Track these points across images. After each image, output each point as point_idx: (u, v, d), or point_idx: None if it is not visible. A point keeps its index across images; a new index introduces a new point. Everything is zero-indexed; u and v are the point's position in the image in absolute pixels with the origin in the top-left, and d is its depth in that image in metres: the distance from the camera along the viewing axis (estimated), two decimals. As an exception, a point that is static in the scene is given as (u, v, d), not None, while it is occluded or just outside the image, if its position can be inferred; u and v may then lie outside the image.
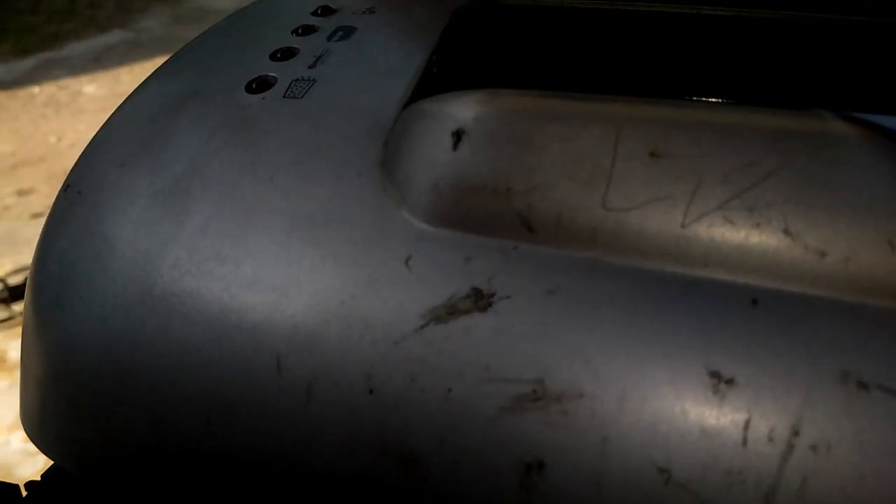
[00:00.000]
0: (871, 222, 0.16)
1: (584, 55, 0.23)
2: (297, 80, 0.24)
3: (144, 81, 0.27)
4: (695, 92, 0.22)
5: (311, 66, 0.25)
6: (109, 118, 0.26)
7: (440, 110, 0.20)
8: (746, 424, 0.16)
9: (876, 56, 0.24)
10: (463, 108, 0.19)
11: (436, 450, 0.18)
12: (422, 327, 0.18)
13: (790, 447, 0.16)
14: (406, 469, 0.18)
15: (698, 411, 0.16)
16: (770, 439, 0.16)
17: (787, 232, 0.17)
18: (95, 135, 0.25)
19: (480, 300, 0.18)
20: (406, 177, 0.20)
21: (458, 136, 0.19)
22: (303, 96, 0.23)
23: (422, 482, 0.18)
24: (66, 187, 0.24)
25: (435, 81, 0.23)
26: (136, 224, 0.21)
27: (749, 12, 0.26)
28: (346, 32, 0.27)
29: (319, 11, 0.28)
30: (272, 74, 0.25)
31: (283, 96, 0.24)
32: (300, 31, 0.27)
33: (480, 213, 0.19)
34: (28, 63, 2.43)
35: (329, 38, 0.26)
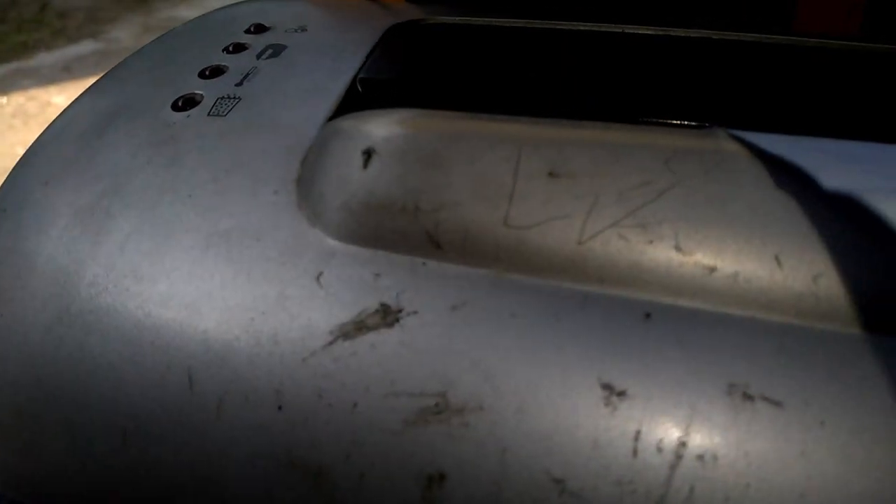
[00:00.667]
0: (758, 238, 0.17)
1: (512, 73, 0.24)
2: (222, 97, 0.24)
3: (76, 99, 0.27)
4: (616, 110, 0.22)
5: (238, 84, 0.25)
6: (39, 136, 0.26)
7: (353, 129, 0.20)
8: (637, 436, 0.16)
9: (783, 74, 0.24)
10: (374, 128, 0.20)
11: (342, 464, 0.18)
12: (330, 343, 0.18)
13: (678, 457, 0.16)
14: (314, 483, 0.18)
15: (591, 423, 0.17)
16: (659, 450, 0.16)
17: (678, 248, 0.17)
18: (24, 153, 0.25)
19: (388, 316, 0.18)
20: (319, 194, 0.20)
21: (368, 154, 0.19)
22: (227, 114, 0.24)
23: (329, 496, 0.18)
24: (-8, 205, 0.24)
25: (359, 100, 0.24)
26: (56, 242, 0.21)
27: (671, 31, 0.27)
28: (276, 50, 0.27)
29: (252, 29, 0.29)
30: (199, 92, 0.25)
31: (208, 114, 0.24)
32: (231, 48, 0.27)
33: (390, 231, 0.19)
34: (-5, 73, 2.40)
35: (259, 56, 0.27)
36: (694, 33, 0.27)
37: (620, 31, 0.27)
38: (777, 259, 0.17)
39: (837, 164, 0.15)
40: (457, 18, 0.29)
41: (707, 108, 0.21)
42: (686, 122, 0.19)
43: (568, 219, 0.18)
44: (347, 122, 0.20)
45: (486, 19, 0.29)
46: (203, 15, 0.32)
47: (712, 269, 0.17)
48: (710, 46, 0.26)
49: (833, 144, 0.17)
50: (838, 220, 0.16)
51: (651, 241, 0.17)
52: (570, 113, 0.21)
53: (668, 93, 0.21)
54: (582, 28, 0.28)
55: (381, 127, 0.19)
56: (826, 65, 0.25)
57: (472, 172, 0.18)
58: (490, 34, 0.27)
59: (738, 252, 0.17)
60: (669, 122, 0.20)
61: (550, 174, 0.18)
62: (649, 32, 0.26)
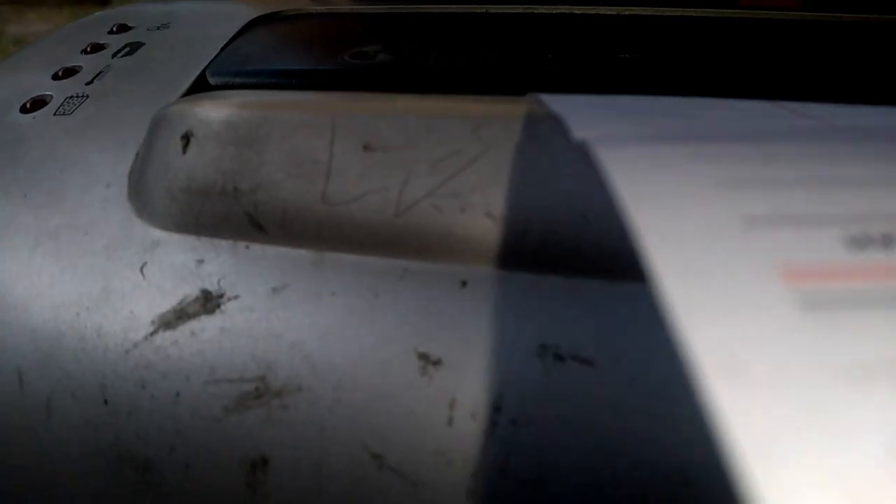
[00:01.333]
0: (566, 201, 0.17)
1: (363, 57, 0.23)
2: (70, 97, 0.24)
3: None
4: (470, 87, 0.22)
5: (89, 83, 0.25)
6: None
7: (175, 114, 0.20)
8: (452, 404, 0.16)
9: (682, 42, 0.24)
10: (192, 111, 0.19)
11: (167, 455, 0.17)
12: (152, 334, 0.18)
13: (493, 424, 0.16)
14: (142, 476, 0.18)
15: (407, 395, 0.16)
16: (473, 417, 0.16)
17: (489, 215, 0.17)
18: None
19: (209, 302, 0.18)
20: (145, 183, 0.20)
21: (186, 138, 0.19)
22: (73, 112, 0.23)
23: (157, 488, 0.18)
24: None
25: (207, 91, 0.24)
26: None
27: (539, 9, 0.27)
28: (133, 48, 0.26)
29: (115, 29, 0.28)
30: (49, 93, 0.25)
31: (54, 114, 0.23)
32: (89, 49, 0.27)
33: (212, 215, 0.19)
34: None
35: (114, 55, 0.26)
36: (569, 9, 0.27)
37: (484, 10, 0.27)
38: (584, 218, 0.17)
39: (610, 117, 0.15)
40: (322, 8, 0.29)
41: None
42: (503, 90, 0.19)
43: (384, 192, 0.18)
44: (172, 109, 0.20)
45: (354, 7, 0.29)
46: (75, 21, 0.32)
47: (524, 234, 0.17)
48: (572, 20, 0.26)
49: (639, 101, 0.17)
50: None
51: (463, 210, 0.17)
52: (414, 90, 0.21)
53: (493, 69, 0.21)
54: (452, 10, 0.28)
55: (196, 110, 0.19)
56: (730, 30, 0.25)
57: (288, 150, 0.18)
58: (353, 21, 0.27)
59: (545, 215, 0.17)
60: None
61: (365, 148, 0.18)
62: (521, 11, 0.26)
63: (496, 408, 0.16)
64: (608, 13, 0.27)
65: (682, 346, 0.08)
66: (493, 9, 0.27)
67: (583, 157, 0.15)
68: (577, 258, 0.17)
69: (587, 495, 0.15)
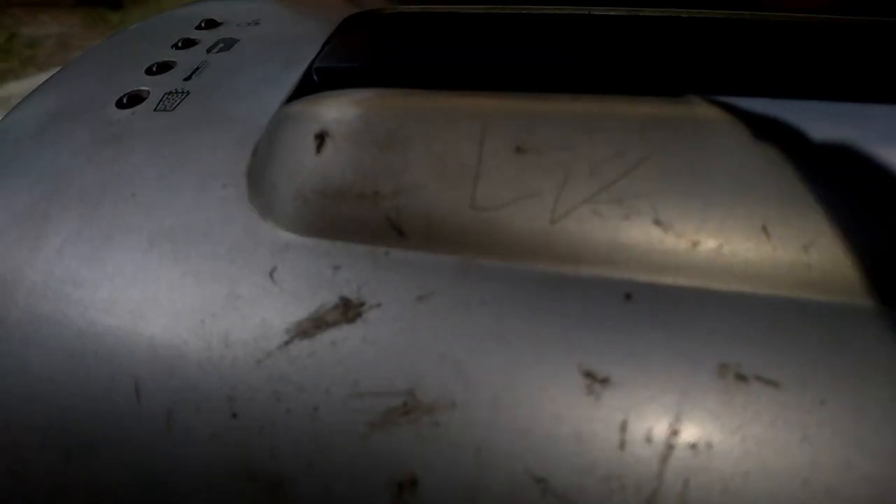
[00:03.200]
0: (742, 208, 0.16)
1: (473, 56, 0.22)
2: (169, 92, 0.23)
3: (17, 104, 0.26)
4: (584, 84, 0.21)
5: (187, 79, 0.24)
6: (-25, 143, 0.24)
7: (304, 112, 0.19)
8: (623, 426, 0.15)
9: (753, 46, 0.23)
10: (325, 110, 0.18)
11: (304, 473, 0.16)
12: (286, 343, 0.17)
13: (669, 448, 0.15)
14: (274, 495, 0.17)
15: (573, 414, 0.15)
16: (648, 440, 0.15)
17: (657, 222, 0.16)
18: (-40, 161, 0.24)
19: (349, 310, 0.17)
20: (271, 185, 0.19)
21: (321, 138, 0.18)
22: (174, 109, 0.22)
23: (291, 509, 0.16)
24: (-76, 215, 0.22)
25: (314, 89, 0.22)
26: (-10, 250, 0.20)
27: (638, 11, 0.26)
28: (228, 44, 0.25)
29: (203, 25, 0.27)
30: (145, 89, 0.24)
31: (154, 110, 0.22)
32: (180, 44, 0.26)
33: (348, 219, 0.18)
34: (-37, 104, 2.38)
35: (209, 51, 0.25)
36: (660, 12, 0.26)
37: (587, 12, 0.26)
38: (764, 229, 0.15)
39: (824, 120, 0.14)
40: (416, 7, 0.28)
41: (681, 79, 0.20)
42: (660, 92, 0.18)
43: (538, 197, 0.16)
44: (298, 107, 0.19)
45: (448, 7, 0.28)
46: (156, 15, 0.31)
47: (695, 243, 0.16)
48: (679, 24, 0.25)
49: (817, 105, 0.16)
50: (828, 180, 0.15)
51: (628, 217, 0.16)
52: (537, 89, 0.20)
53: (640, 68, 0.20)
54: (546, 11, 0.27)
55: (333, 108, 0.18)
56: (795, 34, 0.24)
57: (434, 152, 0.17)
58: (450, 21, 0.26)
59: (721, 224, 0.16)
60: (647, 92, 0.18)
61: (517, 150, 0.17)
62: (614, 13, 0.25)
63: (673, 431, 0.15)
64: (738, 17, 0.26)
65: None
66: (597, 10, 0.27)
67: (771, 162, 0.14)
68: (755, 271, 0.16)
69: (777, 527, 0.14)
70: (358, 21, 0.26)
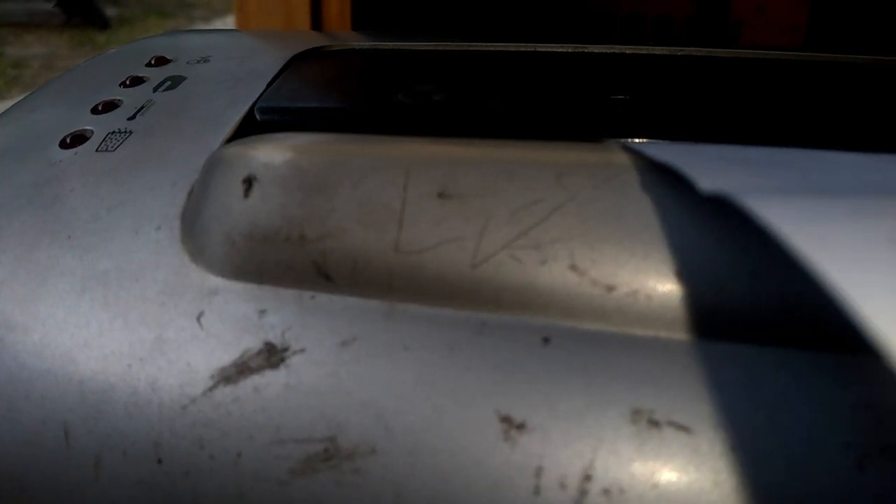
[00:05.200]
0: (656, 254, 0.16)
1: (414, 95, 0.23)
2: (112, 132, 0.23)
3: (-35, 141, 0.26)
4: (513, 131, 0.21)
5: (131, 118, 0.24)
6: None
7: (236, 156, 0.19)
8: (538, 472, 0.15)
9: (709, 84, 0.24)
10: (255, 155, 0.18)
11: (226, 520, 0.16)
12: (211, 389, 0.17)
13: (583, 493, 0.15)
14: (198, 542, 0.17)
15: (489, 461, 0.15)
16: (562, 486, 0.15)
17: (573, 268, 0.16)
18: None
19: (273, 356, 0.17)
20: (202, 228, 0.19)
21: (249, 182, 0.18)
22: (116, 149, 0.22)
23: (214, 556, 0.16)
24: None
25: (255, 128, 0.23)
26: (-77, 293, 0.20)
27: (588, 48, 0.27)
28: (175, 82, 0.26)
29: (153, 62, 0.28)
30: (89, 128, 0.24)
31: (96, 150, 0.23)
32: (128, 82, 0.26)
33: (275, 263, 0.18)
34: (-54, 126, 2.36)
35: (155, 89, 0.25)
36: (610, 49, 0.26)
37: (532, 49, 0.27)
38: (678, 274, 0.16)
39: (722, 167, 0.14)
40: (364, 44, 0.28)
41: (603, 123, 0.20)
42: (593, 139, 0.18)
43: (460, 241, 0.17)
44: (231, 150, 0.19)
45: (395, 43, 0.28)
46: (111, 51, 0.31)
47: (610, 288, 0.16)
48: (621, 61, 0.26)
49: (728, 150, 0.16)
50: (739, 224, 0.15)
51: (545, 262, 0.16)
52: (481, 135, 0.20)
53: (564, 112, 0.21)
54: (494, 48, 0.27)
55: (262, 153, 0.18)
56: (751, 74, 0.24)
57: (359, 196, 0.17)
58: (397, 58, 0.27)
59: (635, 269, 0.16)
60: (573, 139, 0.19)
61: (440, 195, 0.17)
62: (560, 50, 0.25)
63: (586, 476, 0.15)
64: (652, 53, 0.26)
65: None
66: (542, 47, 0.27)
67: (684, 208, 0.15)
68: (668, 315, 0.16)
69: (688, 573, 0.14)
70: (305, 58, 0.26)
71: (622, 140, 0.17)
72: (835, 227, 0.10)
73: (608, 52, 0.26)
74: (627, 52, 0.26)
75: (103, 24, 3.38)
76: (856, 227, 0.10)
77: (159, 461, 0.17)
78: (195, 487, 0.17)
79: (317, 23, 0.58)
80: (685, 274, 0.16)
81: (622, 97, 0.21)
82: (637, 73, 0.24)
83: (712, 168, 0.13)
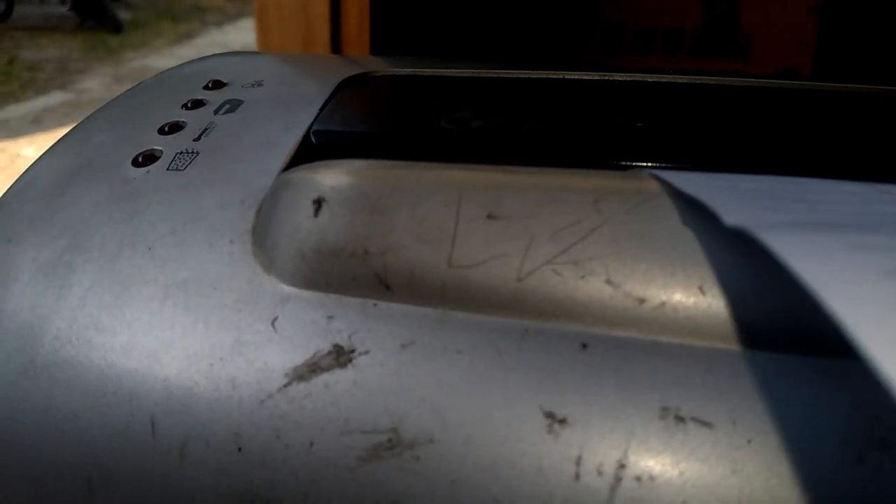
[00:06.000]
0: (681, 270, 0.18)
1: (458, 120, 0.25)
2: (181, 152, 0.25)
3: (38, 159, 0.28)
4: (566, 155, 0.24)
5: (196, 139, 0.26)
6: (2, 195, 0.27)
7: (304, 180, 0.21)
8: (578, 460, 0.17)
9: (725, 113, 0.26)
10: (323, 178, 0.21)
11: (300, 502, 0.19)
12: (286, 385, 0.19)
13: (618, 479, 0.17)
14: (274, 522, 0.19)
15: (535, 450, 0.17)
16: (599, 473, 0.17)
17: (609, 282, 0.18)
18: (-13, 212, 0.26)
19: (341, 356, 0.19)
20: (273, 242, 0.21)
21: (318, 203, 0.20)
22: (185, 168, 0.25)
23: (289, 533, 0.19)
24: (-44, 264, 0.24)
25: (312, 151, 0.25)
26: (19, 298, 0.22)
27: (621, 76, 0.29)
28: (233, 105, 0.28)
29: (210, 85, 0.30)
30: (158, 148, 0.26)
31: (167, 169, 0.25)
32: (189, 105, 0.28)
33: (341, 275, 0.20)
34: (-36, 127, 2.39)
35: (216, 112, 0.28)
36: (642, 77, 0.28)
37: (562, 77, 0.29)
38: (700, 289, 0.18)
39: (741, 201, 0.16)
40: (405, 70, 0.30)
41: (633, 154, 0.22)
42: (622, 164, 0.21)
43: (506, 258, 0.19)
44: (299, 174, 0.21)
45: (434, 70, 0.30)
46: (164, 72, 0.33)
47: (641, 301, 0.18)
48: (647, 90, 0.28)
49: (744, 181, 0.19)
50: (745, 251, 0.17)
51: (583, 276, 0.18)
52: (519, 159, 0.22)
53: (623, 137, 0.23)
54: (526, 75, 0.29)
55: (329, 177, 0.21)
56: (763, 104, 0.26)
57: (416, 217, 0.19)
58: (436, 84, 0.29)
59: (663, 283, 0.18)
60: (604, 165, 0.21)
61: (489, 217, 0.19)
62: (597, 78, 0.28)
63: (621, 465, 0.17)
64: (678, 81, 0.28)
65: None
66: (570, 75, 0.29)
67: (705, 232, 0.17)
68: (692, 324, 0.18)
69: (709, 549, 0.17)
70: (351, 84, 0.29)
71: (651, 169, 0.19)
72: (838, 261, 0.12)
73: (631, 80, 0.29)
74: (649, 80, 0.28)
75: (116, 27, 3.42)
76: (855, 263, 0.12)
77: (239, 449, 0.19)
78: (272, 473, 0.19)
79: (336, 38, 0.60)
80: (705, 289, 0.18)
81: (640, 125, 0.23)
82: (655, 101, 0.27)
83: (732, 201, 0.16)
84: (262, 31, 0.67)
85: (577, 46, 0.59)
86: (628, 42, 0.60)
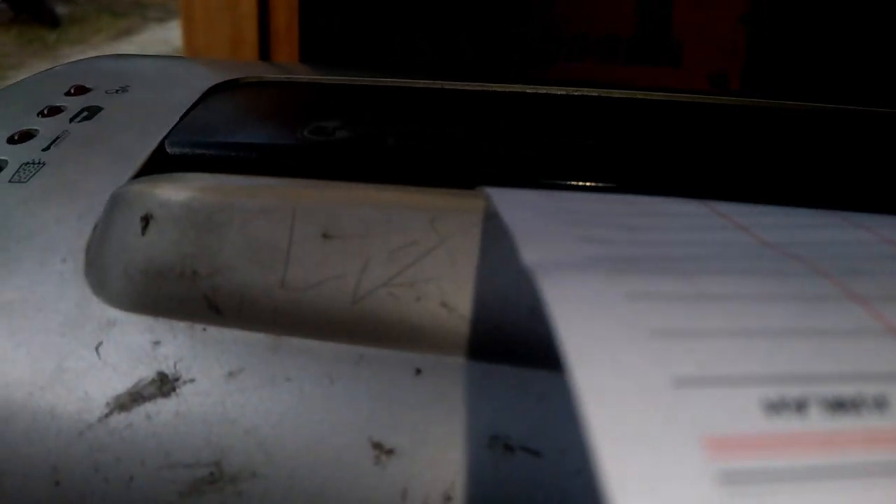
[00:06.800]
0: (515, 291, 0.18)
1: (324, 131, 0.24)
2: (26, 163, 0.24)
3: None
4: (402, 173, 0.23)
5: (45, 149, 0.25)
6: None
7: (137, 194, 0.20)
8: (404, 494, 0.16)
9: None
10: (153, 194, 0.20)
11: (118, 540, 0.17)
12: (106, 416, 0.18)
13: (443, 512, 0.16)
14: (91, 562, 0.18)
15: (361, 483, 0.17)
16: (425, 506, 0.16)
17: (444, 304, 0.18)
18: None
19: (165, 385, 0.18)
20: (103, 261, 0.20)
21: (146, 220, 0.19)
22: (28, 180, 0.23)
23: (106, 574, 0.18)
24: None
25: (167, 162, 0.24)
26: None
27: (488, 86, 0.28)
28: (91, 112, 0.27)
29: (72, 91, 0.28)
30: (4, 158, 0.25)
31: (9, 181, 0.23)
32: (46, 111, 0.27)
33: (169, 297, 0.19)
34: None
35: (72, 119, 0.26)
36: (507, 88, 0.28)
37: (440, 86, 0.28)
38: (531, 310, 0.17)
39: (551, 229, 0.15)
40: (280, 77, 0.29)
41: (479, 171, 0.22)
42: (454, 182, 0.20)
43: (342, 279, 0.18)
44: (134, 188, 0.20)
45: (312, 77, 0.29)
46: (30, 77, 0.32)
47: (476, 323, 0.17)
48: (518, 100, 0.27)
49: (595, 204, 0.18)
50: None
51: (418, 299, 0.18)
52: (381, 174, 0.21)
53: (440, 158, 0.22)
54: (402, 84, 0.28)
55: (161, 192, 0.19)
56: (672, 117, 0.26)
57: (248, 236, 0.19)
58: (312, 92, 0.28)
59: (496, 305, 0.18)
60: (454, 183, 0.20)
61: (324, 236, 0.18)
62: (464, 88, 0.27)
63: (447, 497, 0.16)
64: (558, 93, 0.28)
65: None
66: (449, 84, 0.28)
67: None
68: (526, 349, 0.17)
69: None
70: (219, 90, 0.28)
71: (487, 188, 0.18)
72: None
73: (517, 91, 0.28)
74: (527, 91, 0.27)
75: (54, 22, 3.32)
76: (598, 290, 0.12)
77: (56, 483, 0.18)
78: (89, 509, 0.18)
79: (264, 38, 0.58)
80: (538, 313, 0.18)
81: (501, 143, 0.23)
82: (525, 113, 0.26)
83: (540, 232, 0.15)
84: (188, 32, 0.65)
85: (511, 53, 0.59)
86: (562, 48, 0.60)
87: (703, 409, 0.10)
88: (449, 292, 0.18)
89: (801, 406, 0.10)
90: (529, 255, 0.13)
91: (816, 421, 0.09)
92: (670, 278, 0.13)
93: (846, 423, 0.09)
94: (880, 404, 0.10)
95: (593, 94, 0.28)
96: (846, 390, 0.10)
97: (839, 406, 0.10)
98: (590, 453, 0.09)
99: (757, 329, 0.11)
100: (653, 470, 0.09)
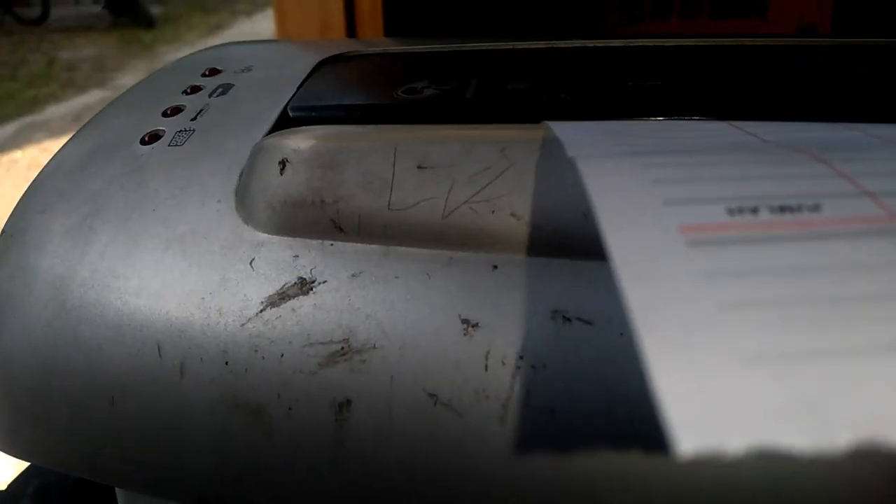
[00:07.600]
0: (569, 201, 0.22)
1: (416, 91, 0.29)
2: (180, 131, 0.30)
3: (65, 143, 0.33)
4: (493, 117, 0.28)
5: (193, 119, 0.31)
6: (36, 177, 0.32)
7: (272, 145, 0.26)
8: (487, 355, 0.22)
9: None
10: (287, 143, 0.25)
11: (274, 402, 0.23)
12: (261, 311, 0.24)
13: (518, 368, 0.21)
14: (255, 419, 0.24)
15: (454, 349, 0.22)
16: (503, 364, 0.22)
17: (513, 214, 0.23)
18: (25, 190, 0.31)
19: (304, 286, 0.24)
20: (250, 199, 0.26)
21: (283, 164, 0.25)
22: (184, 144, 0.30)
23: (267, 427, 0.24)
24: (2, 233, 0.30)
25: (289, 123, 0.30)
26: (52, 256, 0.27)
27: (555, 44, 0.33)
28: (225, 89, 0.33)
29: (207, 73, 0.35)
30: (161, 128, 0.31)
31: (169, 145, 0.30)
32: (189, 90, 0.33)
33: (303, 221, 0.25)
34: (9, 129, 2.49)
35: (210, 95, 0.32)
36: (569, 44, 0.32)
37: (511, 46, 0.33)
38: (584, 215, 0.22)
39: (595, 137, 0.20)
40: (377, 49, 0.35)
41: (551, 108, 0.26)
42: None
43: (434, 200, 0.23)
44: (269, 141, 0.26)
45: (402, 48, 0.35)
46: (169, 64, 0.38)
47: (539, 228, 0.22)
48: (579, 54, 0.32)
49: (616, 125, 0.23)
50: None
51: (493, 211, 0.23)
52: (456, 118, 0.27)
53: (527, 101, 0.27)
54: (485, 47, 0.33)
55: (292, 142, 0.25)
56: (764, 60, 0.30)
57: (361, 171, 0.24)
58: (401, 61, 0.33)
59: (555, 214, 0.22)
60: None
61: (419, 167, 0.24)
62: (542, 47, 0.32)
63: (520, 356, 0.21)
64: (615, 45, 0.32)
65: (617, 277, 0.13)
66: (519, 45, 0.33)
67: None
68: (580, 246, 0.22)
69: (588, 421, 0.21)
70: (327, 64, 0.33)
71: (549, 121, 0.23)
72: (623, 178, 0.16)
73: (578, 46, 0.33)
74: (581, 46, 0.32)
75: (149, 22, 3.50)
76: (633, 170, 0.16)
77: (226, 363, 0.24)
78: (252, 380, 0.24)
79: (351, 23, 0.64)
80: (588, 215, 0.22)
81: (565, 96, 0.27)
82: (590, 68, 0.31)
83: (584, 139, 0.20)
84: (280, 19, 0.72)
85: (593, 15, 0.62)
86: (646, 8, 0.63)
87: (683, 210, 0.14)
88: (517, 205, 0.23)
89: (755, 210, 0.14)
90: (573, 151, 0.18)
91: (765, 217, 0.14)
92: (678, 154, 0.17)
93: (787, 218, 0.14)
94: (815, 208, 0.14)
95: (657, 44, 0.33)
96: (790, 201, 0.14)
97: (784, 209, 0.14)
98: (624, 301, 0.14)
99: (737, 175, 0.16)
100: (648, 252, 0.13)
